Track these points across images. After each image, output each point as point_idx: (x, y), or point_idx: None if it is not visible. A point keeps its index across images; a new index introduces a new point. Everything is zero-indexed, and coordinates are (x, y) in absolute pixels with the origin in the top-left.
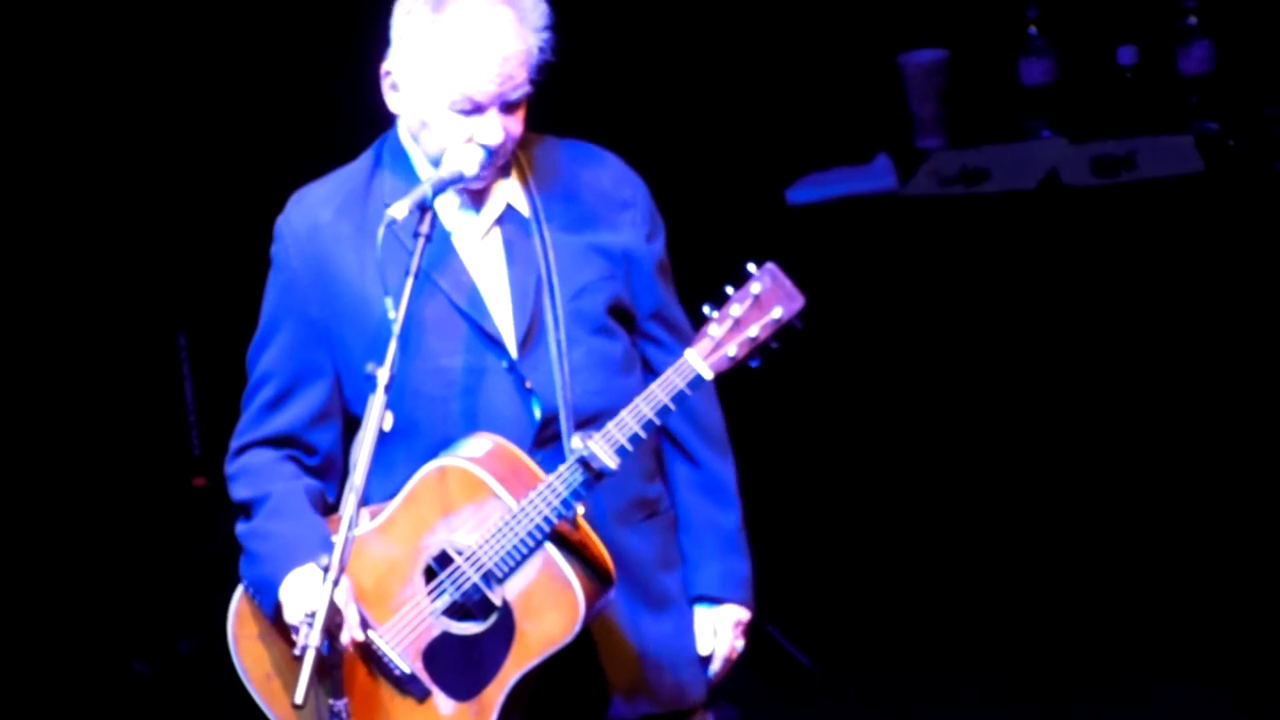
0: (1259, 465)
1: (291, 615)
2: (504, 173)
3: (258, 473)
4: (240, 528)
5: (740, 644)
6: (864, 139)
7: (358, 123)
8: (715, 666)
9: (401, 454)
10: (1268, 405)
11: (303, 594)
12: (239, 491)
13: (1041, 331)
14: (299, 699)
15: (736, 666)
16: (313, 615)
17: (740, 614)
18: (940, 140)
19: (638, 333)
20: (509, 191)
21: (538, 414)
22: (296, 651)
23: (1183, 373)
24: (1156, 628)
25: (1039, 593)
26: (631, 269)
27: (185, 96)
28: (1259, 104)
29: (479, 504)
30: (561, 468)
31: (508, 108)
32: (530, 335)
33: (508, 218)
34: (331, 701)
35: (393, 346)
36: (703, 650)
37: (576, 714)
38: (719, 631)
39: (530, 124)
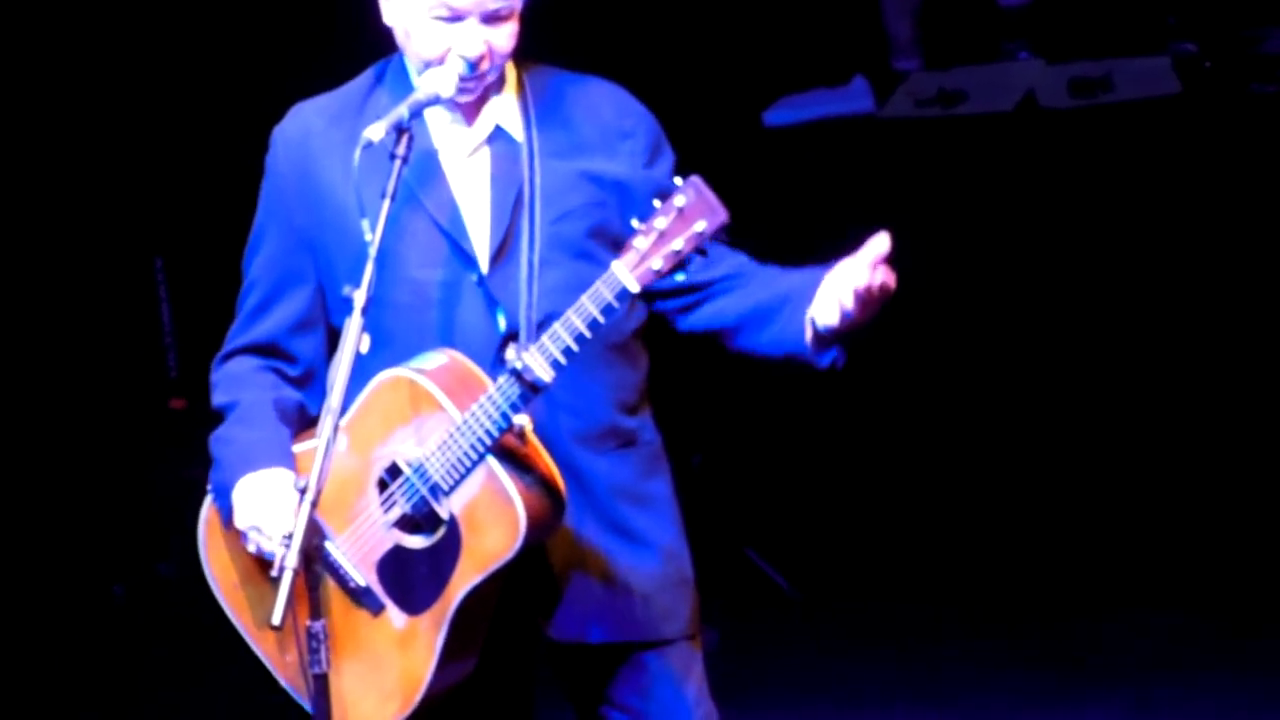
0: (1241, 391)
1: (241, 520)
2: (498, 91)
3: (234, 380)
4: (213, 433)
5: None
6: (841, 61)
7: (340, 46)
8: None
9: (379, 366)
10: (1246, 330)
11: (253, 499)
12: (216, 398)
13: (1019, 253)
14: (276, 620)
15: (704, 589)
16: (290, 536)
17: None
18: (917, 62)
19: None
20: (502, 112)
21: (503, 330)
22: (274, 573)
23: (1159, 294)
24: (1142, 556)
25: (1022, 519)
26: (624, 197)
27: (164, 20)
28: (1236, 25)
29: (427, 416)
30: (500, 380)
31: (491, 19)
32: (502, 252)
33: (497, 138)
34: (310, 623)
35: (369, 269)
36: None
37: (536, 636)
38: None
39: (530, 54)
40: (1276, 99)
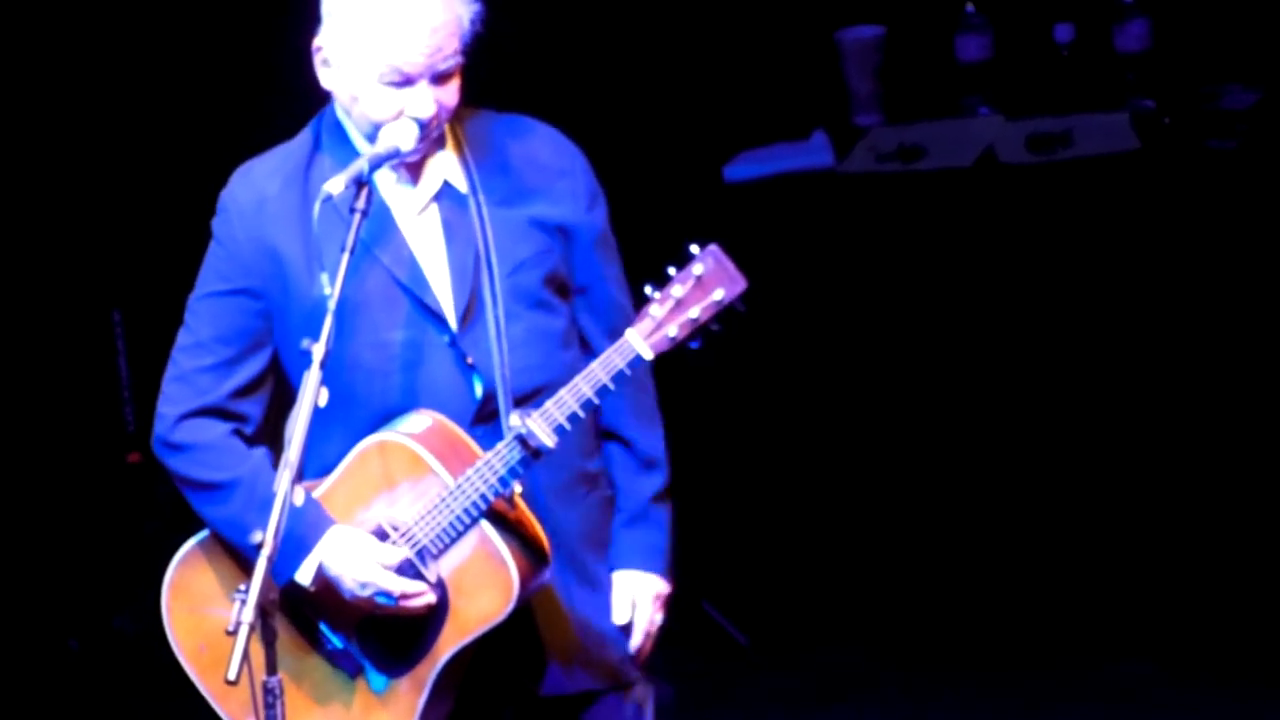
0: (1198, 443)
1: (352, 583)
2: (439, 146)
3: (215, 451)
4: (214, 512)
5: (659, 617)
6: (801, 116)
7: (292, 99)
8: (635, 640)
9: (339, 428)
10: (1202, 382)
11: (346, 564)
12: (194, 470)
13: (978, 308)
14: (232, 675)
15: (660, 642)
16: (245, 591)
17: (658, 585)
18: (877, 117)
19: (571, 304)
20: (445, 166)
21: (478, 390)
22: (230, 628)
23: (1118, 350)
24: (1098, 606)
25: (976, 569)
26: (570, 241)
27: (117, 71)
28: (1195, 82)
29: (416, 480)
30: (499, 445)
31: (438, 79)
32: (470, 311)
33: (445, 194)
34: (265, 678)
35: (328, 323)
36: (619, 620)
37: (513, 687)
38: (637, 603)
39: (466, 100)
40: (1234, 155)
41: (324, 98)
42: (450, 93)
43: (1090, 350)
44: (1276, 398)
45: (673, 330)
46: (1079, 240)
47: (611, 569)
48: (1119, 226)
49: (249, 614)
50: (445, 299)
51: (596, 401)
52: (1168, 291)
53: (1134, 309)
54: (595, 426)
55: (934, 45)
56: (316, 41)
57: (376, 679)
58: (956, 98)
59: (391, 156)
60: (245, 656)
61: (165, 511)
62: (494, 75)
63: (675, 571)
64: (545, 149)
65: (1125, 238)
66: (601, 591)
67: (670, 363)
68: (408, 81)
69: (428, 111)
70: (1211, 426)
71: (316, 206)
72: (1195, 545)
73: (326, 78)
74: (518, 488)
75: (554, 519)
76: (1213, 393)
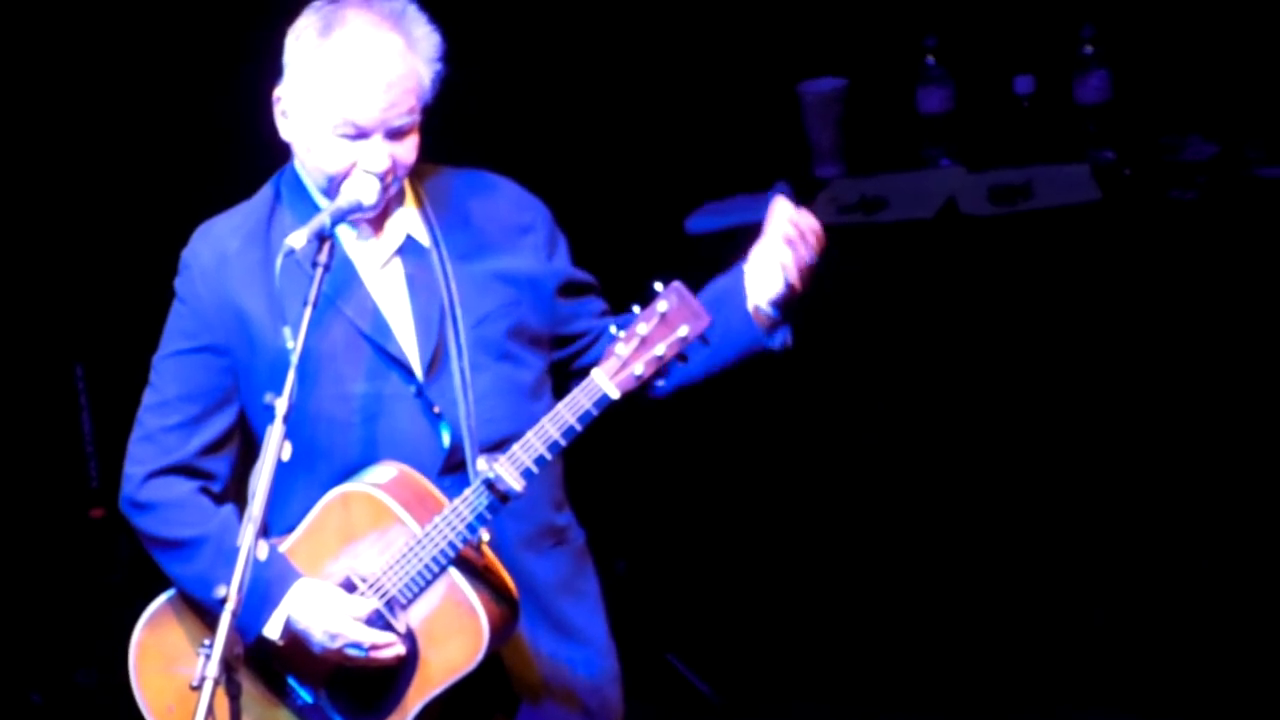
0: (1166, 493)
1: (319, 636)
2: (400, 201)
3: (182, 509)
4: (182, 569)
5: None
6: (763, 167)
7: (257, 154)
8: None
9: (304, 481)
10: (1165, 433)
11: (313, 616)
12: (161, 528)
13: (941, 360)
14: None
15: (627, 696)
16: (211, 646)
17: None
18: (839, 169)
19: (559, 347)
20: (408, 221)
21: (445, 439)
22: (194, 683)
23: (1081, 402)
24: (1071, 655)
25: (945, 622)
26: (534, 293)
27: (81, 127)
28: (1155, 133)
29: (383, 530)
30: (467, 491)
31: (394, 134)
32: (436, 361)
33: (408, 248)
34: None
35: (290, 377)
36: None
37: None
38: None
39: (429, 154)
40: (1195, 206)
41: (285, 154)
42: (407, 149)
43: (1053, 402)
44: (1240, 447)
45: (639, 368)
46: (1041, 291)
47: (594, 611)
48: (1081, 277)
49: (213, 669)
50: (410, 349)
51: (564, 444)
52: (1130, 342)
53: (1097, 360)
54: (563, 481)
55: (895, 97)
56: (277, 92)
57: None
58: (917, 149)
59: (353, 211)
60: (210, 712)
61: (128, 566)
62: (457, 127)
63: (647, 626)
64: (506, 204)
65: (1087, 289)
66: (574, 639)
67: (634, 420)
68: (362, 134)
69: (380, 165)
70: (1178, 478)
71: (278, 261)
72: (1168, 596)
73: (285, 128)
74: (485, 535)
75: (522, 568)
76: (1176, 443)
